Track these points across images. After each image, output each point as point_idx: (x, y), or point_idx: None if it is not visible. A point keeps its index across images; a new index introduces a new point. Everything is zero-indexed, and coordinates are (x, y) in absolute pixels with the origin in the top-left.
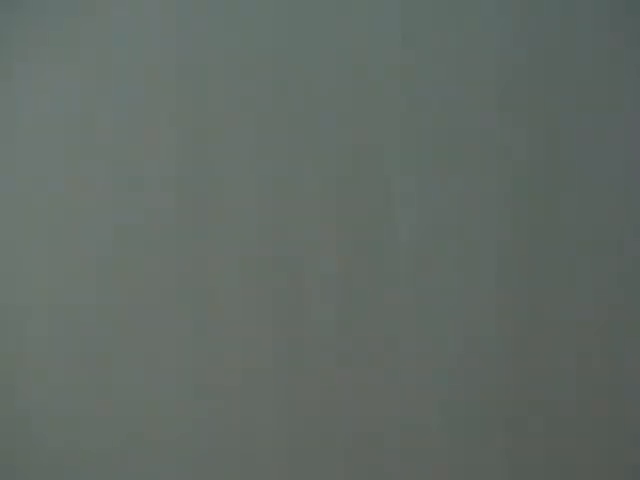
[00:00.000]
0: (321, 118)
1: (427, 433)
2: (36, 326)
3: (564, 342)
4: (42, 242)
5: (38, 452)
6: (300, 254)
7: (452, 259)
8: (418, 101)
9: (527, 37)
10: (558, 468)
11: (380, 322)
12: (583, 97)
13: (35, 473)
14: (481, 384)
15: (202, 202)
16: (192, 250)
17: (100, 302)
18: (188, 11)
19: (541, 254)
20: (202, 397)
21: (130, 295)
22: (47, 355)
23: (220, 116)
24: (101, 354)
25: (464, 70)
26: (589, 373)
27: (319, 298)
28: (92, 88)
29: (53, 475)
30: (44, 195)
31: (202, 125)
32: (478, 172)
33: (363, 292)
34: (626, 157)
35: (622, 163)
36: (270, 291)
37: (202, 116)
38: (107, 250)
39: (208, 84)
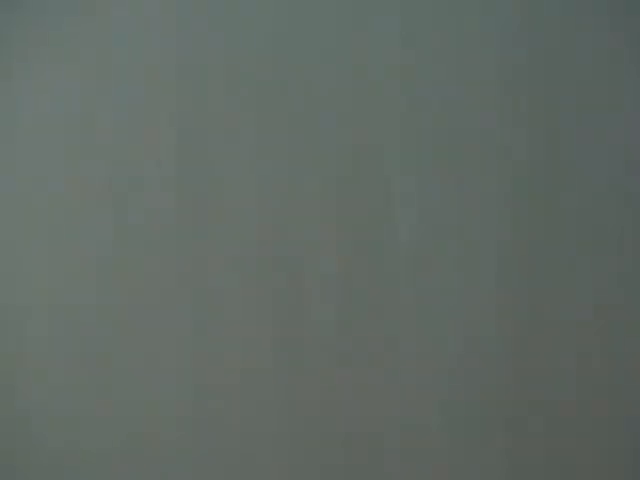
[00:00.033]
0: (321, 118)
1: (427, 433)
2: (36, 326)
3: (564, 342)
4: (42, 242)
5: (38, 452)
6: (300, 254)
7: (452, 259)
8: (418, 101)
9: (527, 37)
10: (558, 468)
11: (380, 322)
12: (583, 97)
13: (35, 473)
14: (481, 384)
15: (202, 202)
16: (192, 250)
17: (100, 302)
18: (188, 11)
19: (541, 254)
20: (202, 397)
21: (130, 295)
22: (47, 355)
23: (220, 116)
24: (101, 354)
25: (464, 70)
26: (589, 373)
27: (319, 298)
28: (92, 88)
29: (53, 475)
30: (44, 195)
31: (202, 125)
32: (478, 172)
33: (363, 292)
34: (626, 157)
35: (622, 163)
36: (270, 291)
37: (202, 116)
38: (107, 250)
39: (208, 84)
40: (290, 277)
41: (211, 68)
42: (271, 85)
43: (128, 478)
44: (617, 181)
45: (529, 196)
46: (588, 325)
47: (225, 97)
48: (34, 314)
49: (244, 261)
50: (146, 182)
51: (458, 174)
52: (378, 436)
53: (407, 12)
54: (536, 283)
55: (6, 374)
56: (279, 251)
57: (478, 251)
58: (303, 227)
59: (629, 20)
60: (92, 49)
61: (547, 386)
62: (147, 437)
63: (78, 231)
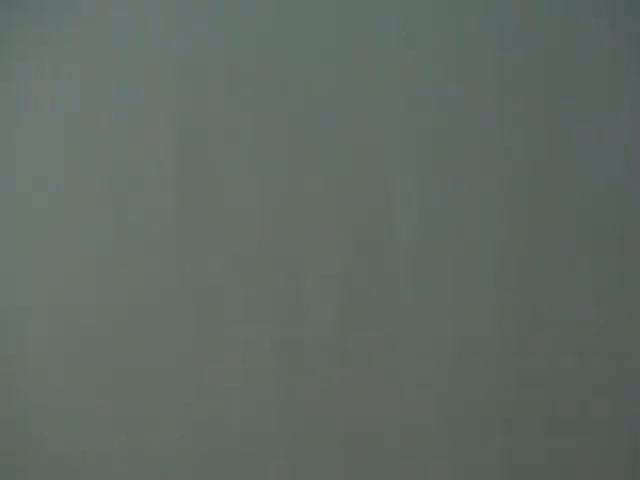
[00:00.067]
0: (321, 118)
1: (427, 433)
2: (36, 326)
3: (564, 342)
4: (42, 242)
5: (38, 452)
6: (300, 254)
7: (452, 259)
8: (418, 101)
9: (527, 37)
10: (558, 468)
11: (380, 322)
12: (583, 97)
13: (35, 473)
14: (481, 384)
15: (202, 202)
16: (192, 250)
17: (100, 302)
18: (188, 11)
19: (541, 254)
20: (202, 397)
21: (130, 295)
22: (47, 355)
23: (220, 116)
24: (101, 354)
25: (464, 70)
26: (589, 373)
27: (319, 298)
28: (92, 88)
29: (53, 475)
30: (44, 195)
31: (202, 125)
32: (478, 172)
33: (363, 292)
34: (626, 157)
35: (622, 163)
36: (270, 291)
37: (202, 116)
38: (107, 250)
39: (208, 84)
40: (290, 277)
41: (211, 68)
42: (271, 85)
43: (128, 478)
44: (617, 181)
45: (529, 196)
46: (588, 325)
47: (225, 97)
48: (34, 314)
49: (244, 261)
50: (146, 182)
51: (458, 174)
52: (378, 436)
53: (407, 12)
54: (536, 283)
55: (6, 374)
56: (279, 251)
57: (478, 251)
58: (303, 227)
59: (629, 20)
60: (92, 49)
61: (547, 386)
62: (147, 437)
63: (78, 231)
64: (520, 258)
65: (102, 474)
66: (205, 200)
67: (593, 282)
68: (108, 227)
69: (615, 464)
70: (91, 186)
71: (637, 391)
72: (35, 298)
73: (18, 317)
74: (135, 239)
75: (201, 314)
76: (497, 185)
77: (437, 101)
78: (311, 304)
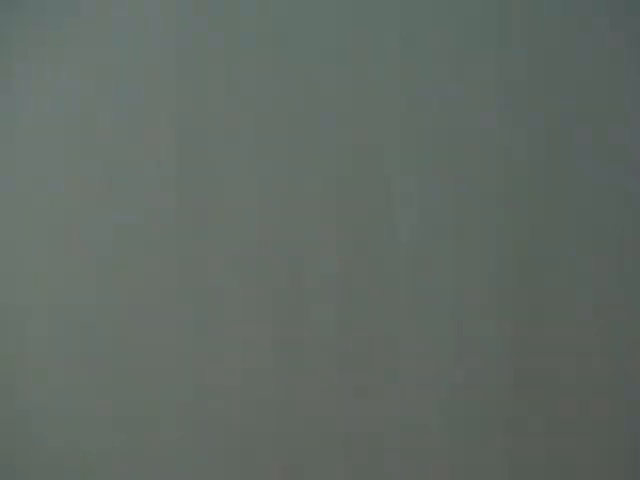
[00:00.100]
0: (321, 118)
1: (427, 433)
2: (36, 326)
3: (564, 342)
4: (42, 242)
5: (38, 452)
6: (300, 254)
7: (452, 259)
8: (418, 101)
9: (527, 37)
10: (558, 468)
11: (380, 322)
12: (583, 97)
13: (35, 473)
14: (481, 384)
15: (202, 202)
16: (192, 250)
17: (100, 302)
18: (188, 11)
19: (541, 254)
20: (202, 397)
21: (130, 295)
22: (47, 355)
23: (220, 116)
24: (101, 354)
25: (464, 70)
26: (589, 373)
27: (319, 298)
28: (92, 88)
29: (53, 475)
30: (44, 195)
31: (202, 125)
32: (478, 172)
33: (363, 292)
34: (626, 157)
35: (622, 163)
36: (270, 291)
37: (202, 116)
38: (107, 250)
39: (208, 84)
40: (290, 277)
41: (211, 68)
42: (271, 85)
43: (128, 478)
44: (617, 181)
45: (529, 196)
46: (588, 325)
47: (225, 97)
48: (34, 314)
49: (244, 261)
50: (146, 182)
51: (458, 174)
52: (378, 436)
53: (407, 12)
54: (536, 283)
55: (6, 374)
56: (279, 251)
57: (478, 251)
58: (303, 227)
59: (629, 20)
60: (92, 49)
61: (547, 386)
62: (147, 437)
63: (78, 231)
64: (520, 258)
65: (102, 474)
66: (205, 200)
67: (593, 282)
68: (108, 227)
69: (615, 464)
70: (91, 186)
71: (637, 391)
72: (35, 298)
73: (18, 317)
74: (135, 239)
75: (201, 314)
76: (497, 185)
77: (437, 101)
78: (311, 304)
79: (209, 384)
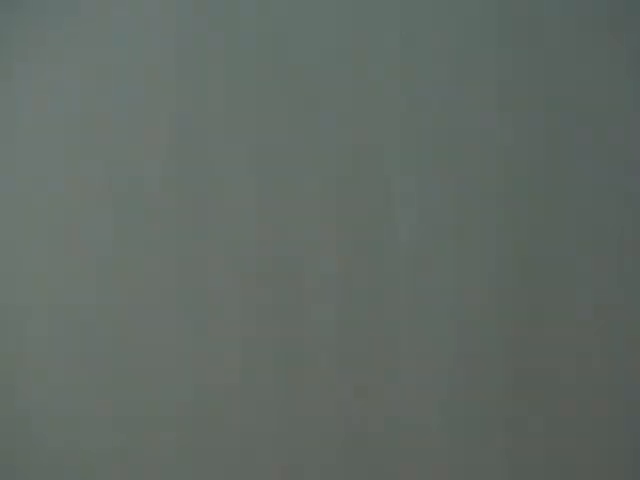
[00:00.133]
0: (321, 118)
1: (427, 433)
2: (36, 326)
3: (564, 342)
4: (42, 242)
5: (38, 452)
6: (300, 254)
7: (452, 259)
8: (418, 101)
9: (527, 37)
10: (558, 468)
11: (380, 322)
12: (583, 97)
13: (35, 473)
14: (481, 384)
15: (202, 202)
16: (192, 250)
17: (100, 302)
18: (188, 11)
19: (541, 254)
20: (202, 397)
21: (130, 295)
22: (47, 355)
23: (220, 116)
24: (101, 354)
25: (464, 70)
26: (589, 373)
27: (319, 298)
28: (92, 88)
29: (53, 475)
30: (44, 195)
31: (202, 125)
32: (478, 172)
33: (363, 292)
34: (626, 157)
35: (622, 163)
36: (270, 291)
37: (202, 116)
38: (107, 250)
39: (208, 84)
40: (290, 277)
41: (211, 68)
42: (271, 85)
43: (128, 478)
44: (617, 181)
45: (529, 196)
46: (588, 325)
47: (225, 97)
48: (34, 314)
49: (244, 261)
50: (146, 182)
51: (458, 174)
52: (378, 436)
53: (407, 12)
54: (536, 283)
55: (6, 374)
56: (279, 251)
57: (478, 251)
58: (303, 227)
59: (629, 20)
60: (92, 49)
61: (547, 386)
62: (147, 437)
63: (78, 231)
64: (520, 258)
65: (102, 474)
66: (205, 200)
67: (593, 282)
68: (108, 227)
69: (615, 464)
70: (91, 186)
71: (637, 391)
72: (35, 298)
73: (18, 317)
74: (135, 239)
75: (201, 314)
76: (497, 185)
77: (437, 101)
78: (311, 304)
79: (209, 384)
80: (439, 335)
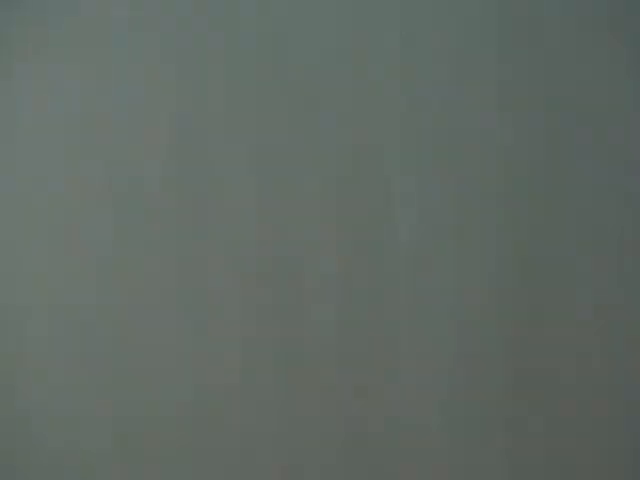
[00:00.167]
0: (321, 118)
1: (427, 433)
2: (36, 326)
3: (564, 342)
4: (42, 242)
5: (38, 452)
6: (300, 254)
7: (452, 259)
8: (418, 101)
9: (527, 37)
10: (558, 468)
11: (380, 322)
12: (583, 97)
13: (35, 473)
14: (481, 384)
15: (202, 202)
16: (192, 250)
17: (100, 302)
18: (188, 11)
19: (541, 254)
20: (202, 397)
21: (130, 295)
22: (47, 355)
23: (220, 116)
24: (101, 354)
25: (464, 70)
26: (589, 373)
27: (319, 298)
28: (92, 88)
29: (53, 475)
30: (44, 195)
31: (202, 125)
32: (478, 172)
33: (363, 292)
34: (626, 157)
35: (622, 163)
36: (270, 291)
37: (202, 116)
38: (107, 250)
39: (208, 84)
40: (290, 277)
41: (211, 68)
42: (271, 85)
43: (128, 478)
44: (617, 181)
45: (529, 196)
46: (588, 325)
47: (225, 97)
48: (34, 314)
49: (244, 261)
50: (146, 182)
51: (458, 174)
52: (378, 436)
53: (407, 12)
54: (536, 283)
55: (6, 374)
56: (279, 251)
57: (478, 251)
58: (303, 227)
59: (629, 20)
60: (92, 49)
61: (547, 386)
62: (147, 437)
63: (78, 231)
64: (520, 258)
65: (102, 474)
66: (205, 200)
67: (593, 282)
68: (108, 227)
69: (615, 464)
70: (91, 186)
71: (637, 391)
72: (35, 298)
73: (18, 317)
74: (135, 239)
75: (201, 314)
76: (497, 185)
77: (437, 101)
78: (311, 304)
79: (209, 384)
80: (439, 335)
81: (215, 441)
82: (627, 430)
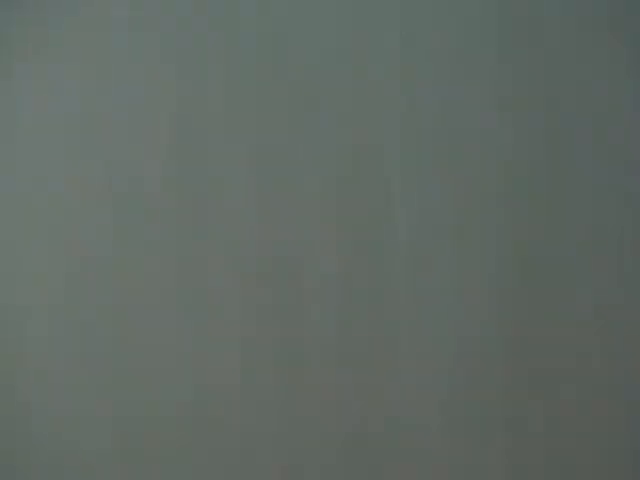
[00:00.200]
0: (321, 118)
1: (427, 433)
2: (36, 326)
3: (564, 342)
4: (42, 242)
5: (38, 452)
6: (300, 254)
7: (452, 259)
8: (418, 101)
9: (527, 37)
10: (558, 468)
11: (380, 322)
12: (583, 97)
13: (35, 473)
14: (481, 384)
15: (202, 202)
16: (192, 250)
17: (100, 302)
18: (188, 11)
19: (541, 254)
20: (202, 397)
21: (130, 295)
22: (47, 355)
23: (220, 116)
24: (101, 354)
25: (464, 70)
26: (589, 373)
27: (319, 298)
28: (92, 88)
29: (53, 475)
30: (44, 195)
31: (202, 125)
32: (478, 172)
33: (363, 292)
34: (626, 157)
35: (622, 163)
36: (270, 291)
37: (202, 116)
38: (107, 250)
39: (208, 84)
40: (290, 277)
41: (211, 68)
42: (271, 85)
43: (128, 478)
44: (617, 181)
45: (529, 196)
46: (588, 325)
47: (225, 97)
48: (34, 314)
49: (244, 261)
50: (146, 182)
51: (458, 174)
52: (378, 436)
53: (407, 12)
54: (536, 283)
55: (6, 374)
56: (279, 251)
57: (478, 251)
58: (303, 227)
59: (629, 20)
60: (92, 49)
61: (547, 386)
62: (147, 437)
63: (78, 231)
64: (520, 258)
65: (102, 474)
66: (205, 200)
67: (593, 282)
68: (108, 227)
69: (615, 464)
70: (91, 186)
71: (637, 391)
72: (35, 298)
73: (18, 317)
74: (135, 239)
75: (201, 314)
76: (497, 185)
77: (437, 101)
78: (311, 304)
79: (209, 384)
80: (439, 335)
81: (215, 441)
82: (627, 430)
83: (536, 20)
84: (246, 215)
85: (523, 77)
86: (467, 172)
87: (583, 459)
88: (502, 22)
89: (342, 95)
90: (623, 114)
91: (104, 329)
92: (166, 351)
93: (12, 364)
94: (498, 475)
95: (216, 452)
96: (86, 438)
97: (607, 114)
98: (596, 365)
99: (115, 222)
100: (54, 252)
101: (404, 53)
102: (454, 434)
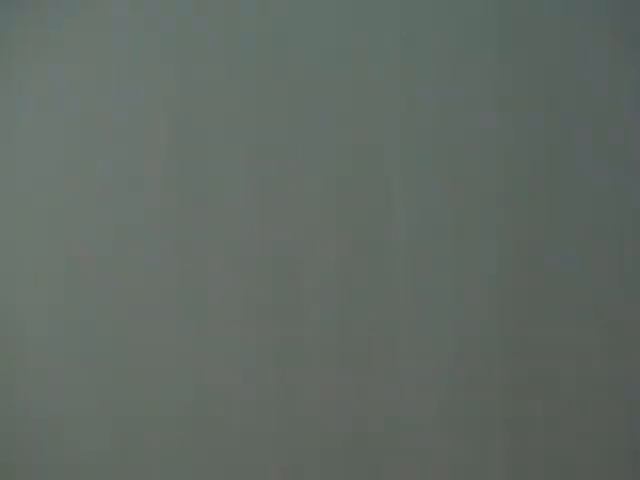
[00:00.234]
0: (321, 118)
1: (427, 433)
2: (36, 326)
3: (564, 342)
4: (42, 242)
5: (38, 452)
6: (300, 254)
7: (452, 259)
8: (418, 101)
9: (527, 37)
10: (558, 468)
11: (380, 322)
12: (583, 97)
13: (35, 473)
14: (481, 384)
15: (202, 202)
16: (192, 250)
17: (100, 302)
18: (188, 11)
19: (541, 254)
20: (202, 397)
21: (130, 295)
22: (47, 355)
23: (220, 116)
24: (101, 354)
25: (464, 70)
26: (589, 373)
27: (319, 298)
28: (92, 88)
29: (53, 475)
30: (44, 195)
31: (202, 125)
32: (478, 172)
33: (363, 292)
34: (626, 157)
35: (622, 163)
36: (270, 291)
37: (202, 116)
38: (107, 250)
39: (208, 84)
40: (290, 277)
41: (211, 68)
42: (271, 85)
43: (128, 478)
44: (617, 181)
45: (529, 196)
46: (588, 325)
47: (225, 97)
48: (34, 314)
49: (244, 261)
50: (146, 182)
51: (458, 174)
52: (378, 436)
53: (407, 12)
54: (536, 283)
55: (6, 374)
56: (279, 251)
57: (478, 251)
58: (303, 227)
59: (629, 20)
60: (92, 49)
61: (547, 386)
62: (147, 437)
63: (78, 231)
64: (520, 258)
65: (102, 474)
66: (205, 200)
67: (593, 282)
68: (108, 227)
69: (615, 464)
70: (91, 186)
71: (637, 391)
72: (35, 298)
73: (18, 317)
74: (135, 239)
75: (201, 314)
76: (497, 185)
77: (437, 101)
78: (311, 304)
79: (209, 384)
80: (439, 335)
81: (215, 441)
82: (627, 430)
83: (536, 20)
84: (246, 215)
85: (523, 77)
86: (467, 172)
87: (583, 459)
88: (502, 22)
89: (342, 95)
90: (623, 114)
91: (104, 329)
92: (166, 351)
93: (12, 364)
94: (498, 475)
95: (216, 452)
96: (86, 438)
97: (607, 114)
98: (596, 365)
99: (115, 222)
100: (54, 252)
101: (404, 53)
102: (454, 434)
